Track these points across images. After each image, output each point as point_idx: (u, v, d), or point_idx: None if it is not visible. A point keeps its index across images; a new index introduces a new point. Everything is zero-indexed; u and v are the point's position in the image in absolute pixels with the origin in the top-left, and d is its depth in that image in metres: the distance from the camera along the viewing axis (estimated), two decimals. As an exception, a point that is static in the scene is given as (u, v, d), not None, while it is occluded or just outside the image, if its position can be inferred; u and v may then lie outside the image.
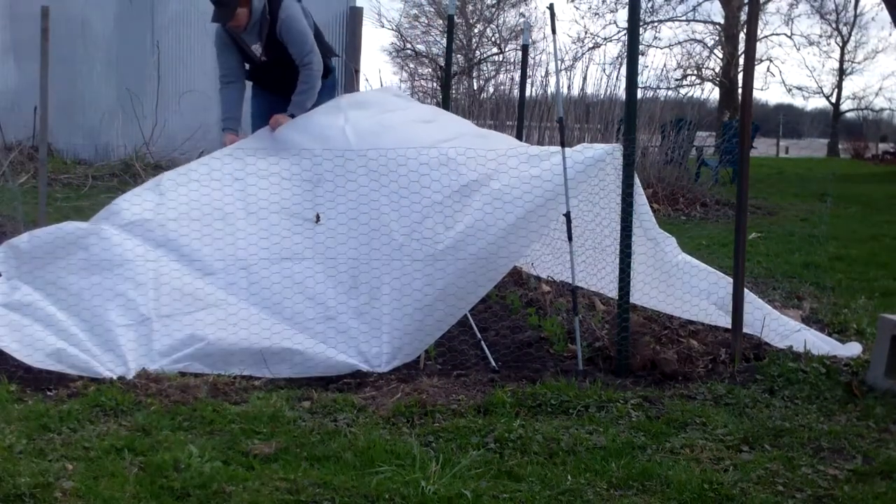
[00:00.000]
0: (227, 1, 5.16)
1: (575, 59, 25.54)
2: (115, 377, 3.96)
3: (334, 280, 4.46)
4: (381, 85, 12.34)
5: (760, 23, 32.62)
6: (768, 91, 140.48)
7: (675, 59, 31.33)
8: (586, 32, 33.31)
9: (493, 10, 30.36)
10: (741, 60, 28.72)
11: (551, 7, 4.81)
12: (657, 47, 36.64)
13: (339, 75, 12.45)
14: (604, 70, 25.77)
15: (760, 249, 8.23)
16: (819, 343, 4.69)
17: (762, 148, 33.77)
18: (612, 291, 4.87)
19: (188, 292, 4.30)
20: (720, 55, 33.40)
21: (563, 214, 4.46)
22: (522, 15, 30.09)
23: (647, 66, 19.76)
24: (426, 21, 31.19)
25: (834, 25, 38.71)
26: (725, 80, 31.57)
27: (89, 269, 4.29)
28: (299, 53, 5.38)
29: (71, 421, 3.45)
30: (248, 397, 3.83)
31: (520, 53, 9.80)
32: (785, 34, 44.50)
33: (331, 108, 5.22)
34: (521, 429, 3.50)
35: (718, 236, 8.81)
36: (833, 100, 41.26)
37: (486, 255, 4.42)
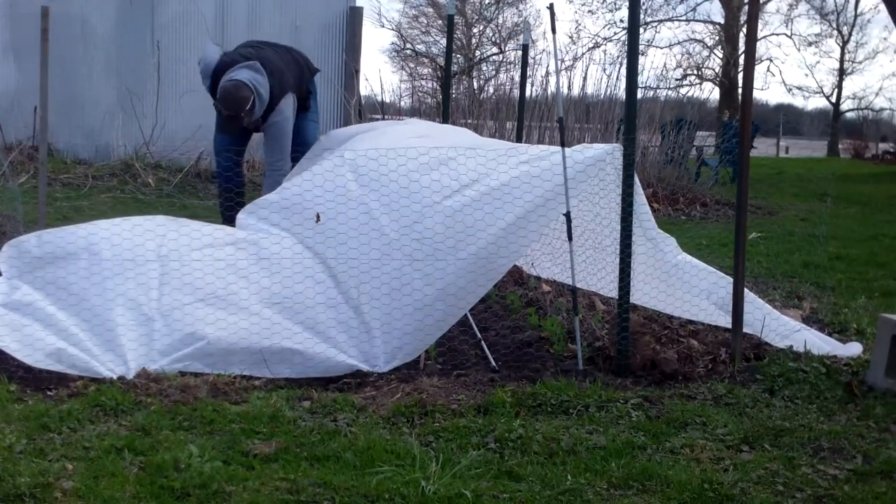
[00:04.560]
0: (237, 117, 5.68)
1: (575, 58, 25.52)
2: (115, 377, 3.96)
3: (335, 280, 4.46)
4: (381, 85, 12.35)
5: (760, 23, 32.61)
6: (768, 91, 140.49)
7: (675, 59, 31.31)
8: (577, 29, 33.27)
9: (493, 9, 30.38)
10: (741, 60, 28.72)
11: (551, 7, 4.80)
12: (657, 47, 36.70)
13: (340, 76, 12.48)
14: (604, 70, 25.75)
15: (760, 249, 8.23)
16: (819, 343, 4.69)
17: (762, 148, 33.73)
18: (611, 291, 4.87)
19: (189, 292, 4.30)
20: (720, 55, 33.40)
21: (563, 214, 4.45)
22: (520, 14, 30.11)
23: (647, 68, 19.74)
24: (426, 21, 31.23)
25: (834, 25, 38.73)
26: (725, 80, 31.56)
27: (90, 269, 4.29)
28: (271, 156, 5.98)
29: (71, 421, 3.44)
30: (248, 397, 3.82)
31: (520, 53, 9.80)
32: (785, 34, 44.51)
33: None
34: (521, 429, 3.50)
35: (718, 236, 8.81)
36: (833, 100, 41.27)
37: (485, 254, 4.41)
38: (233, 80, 5.63)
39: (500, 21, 30.58)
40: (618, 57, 15.50)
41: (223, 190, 6.05)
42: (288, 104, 5.96)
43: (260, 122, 5.92)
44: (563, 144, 4.49)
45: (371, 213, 4.59)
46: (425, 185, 4.61)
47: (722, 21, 32.86)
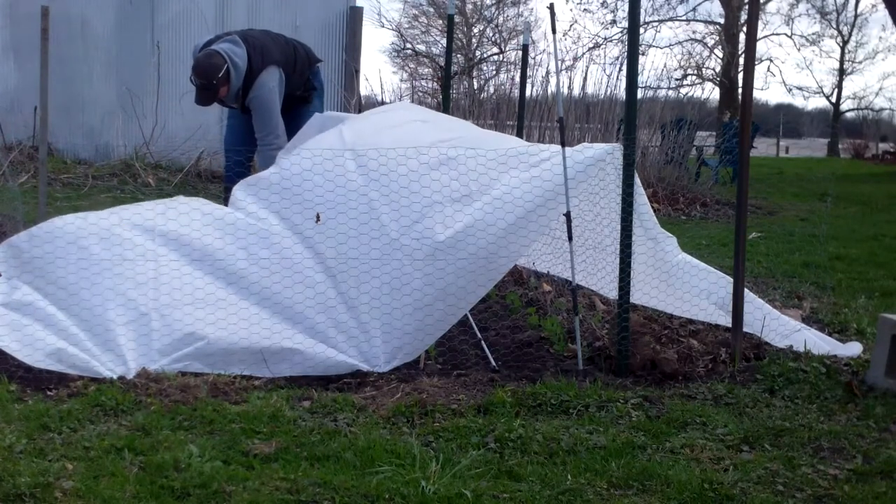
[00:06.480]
0: (210, 86, 5.61)
1: (575, 58, 25.52)
2: (115, 377, 3.96)
3: (334, 280, 4.46)
4: (381, 85, 12.35)
5: (760, 23, 32.63)
6: (768, 91, 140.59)
7: (675, 59, 31.34)
8: (571, 26, 33.25)
9: (493, 9, 30.39)
10: (741, 60, 28.72)
11: (551, 7, 4.80)
12: (657, 47, 36.74)
13: (340, 76, 12.48)
14: (604, 70, 25.80)
15: (760, 249, 8.23)
16: (819, 343, 4.69)
17: (762, 148, 33.75)
18: (612, 291, 4.87)
19: (188, 291, 4.30)
20: (720, 55, 33.41)
21: (564, 214, 4.46)
22: (520, 15, 30.12)
23: (647, 68, 19.75)
24: (426, 21, 31.25)
25: (834, 25, 38.76)
26: (725, 80, 31.57)
27: (88, 268, 4.29)
28: (259, 130, 5.85)
29: (71, 421, 3.44)
30: (248, 397, 3.82)
31: (520, 53, 9.80)
32: (785, 34, 44.55)
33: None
34: (521, 429, 3.50)
35: (718, 236, 8.81)
36: (833, 99, 41.30)
37: (486, 254, 4.41)
38: (206, 50, 5.66)
39: (501, 21, 30.60)
40: (618, 57, 15.51)
41: (224, 189, 6.04)
42: (272, 77, 5.81)
43: (241, 100, 5.85)
44: (563, 144, 4.49)
45: (372, 212, 4.57)
46: (425, 185, 4.60)
47: (722, 21, 32.88)
